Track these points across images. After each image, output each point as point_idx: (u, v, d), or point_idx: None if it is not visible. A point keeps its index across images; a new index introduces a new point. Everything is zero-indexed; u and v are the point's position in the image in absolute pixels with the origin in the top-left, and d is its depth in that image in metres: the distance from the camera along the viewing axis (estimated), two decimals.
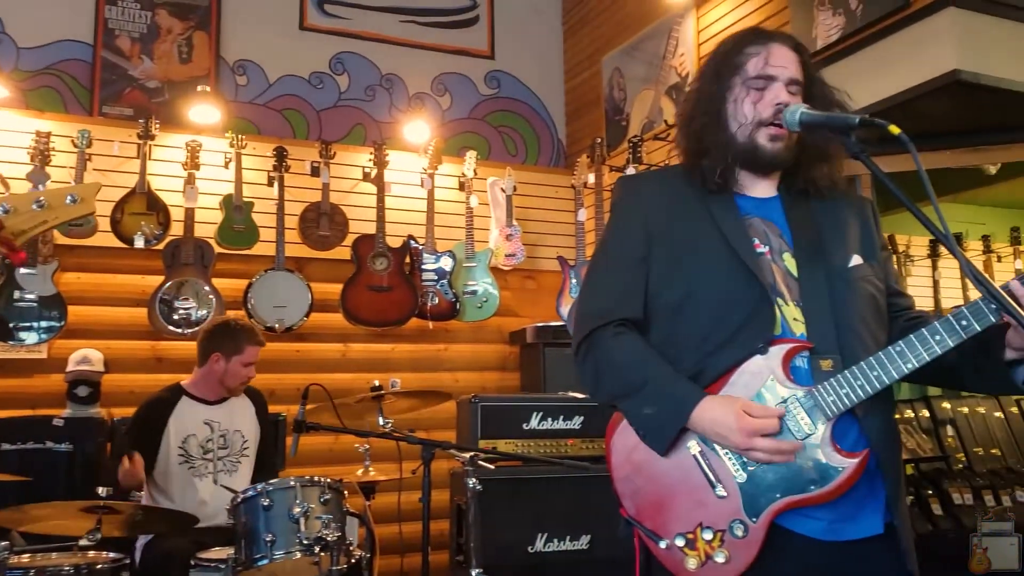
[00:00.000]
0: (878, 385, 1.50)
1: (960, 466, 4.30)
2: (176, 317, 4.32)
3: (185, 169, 4.51)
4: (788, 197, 1.73)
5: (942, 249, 5.25)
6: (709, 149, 1.69)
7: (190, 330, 4.29)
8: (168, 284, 4.34)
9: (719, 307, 1.60)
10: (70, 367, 4.13)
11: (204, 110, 4.75)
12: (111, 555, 2.83)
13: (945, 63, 3.28)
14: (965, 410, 4.51)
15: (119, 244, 4.36)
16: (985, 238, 5.72)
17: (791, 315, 1.60)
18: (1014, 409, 4.63)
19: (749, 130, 1.66)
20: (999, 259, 5.65)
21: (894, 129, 1.42)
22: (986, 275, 1.41)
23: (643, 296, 1.68)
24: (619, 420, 1.67)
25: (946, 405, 4.50)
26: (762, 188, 1.74)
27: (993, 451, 4.42)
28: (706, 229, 1.66)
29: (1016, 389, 1.57)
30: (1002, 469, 4.35)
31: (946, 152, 3.92)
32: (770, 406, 1.54)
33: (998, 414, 4.58)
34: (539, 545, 3.63)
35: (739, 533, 1.52)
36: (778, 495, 1.51)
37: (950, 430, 4.43)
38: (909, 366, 1.49)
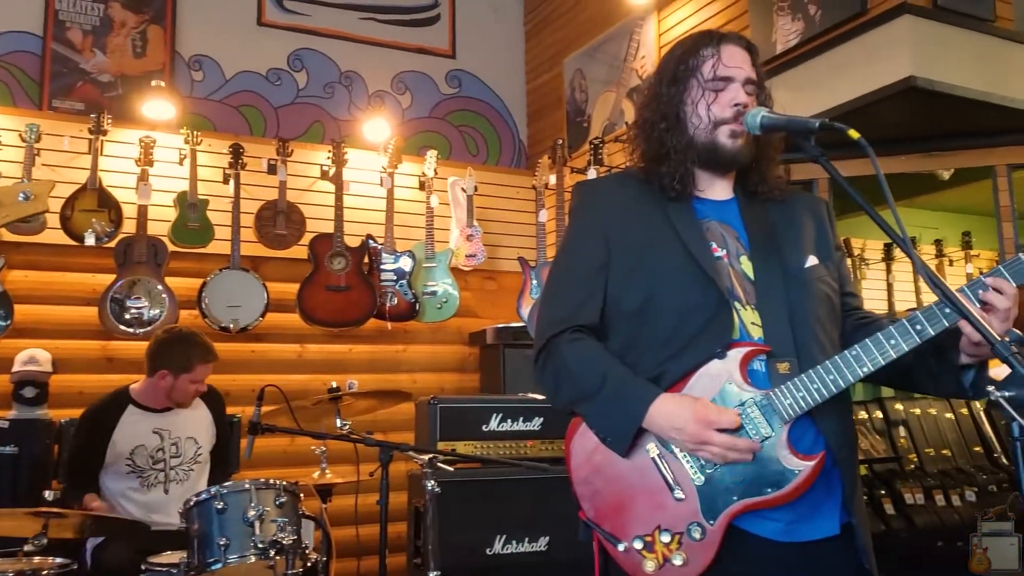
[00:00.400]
0: (834, 389, 1.51)
1: (912, 466, 4.38)
2: (128, 316, 4.23)
3: (138, 165, 4.41)
4: (744, 198, 1.74)
5: (896, 252, 5.35)
6: (670, 153, 1.69)
7: (142, 330, 4.20)
8: (120, 283, 4.24)
9: (678, 312, 1.60)
10: (16, 367, 4.01)
11: (158, 105, 4.66)
12: (57, 560, 2.75)
13: (901, 70, 3.34)
14: (917, 411, 4.60)
15: (69, 242, 4.25)
16: (938, 242, 5.84)
17: (749, 319, 1.61)
18: (964, 411, 4.73)
19: (708, 130, 1.67)
20: (951, 263, 5.78)
21: (853, 133, 1.43)
22: (940, 278, 1.43)
23: (601, 303, 1.68)
24: (579, 422, 1.67)
25: (899, 407, 4.58)
26: (719, 189, 1.74)
27: (944, 452, 4.50)
28: (664, 234, 1.67)
29: (964, 392, 1.59)
30: (952, 469, 4.43)
31: (901, 157, 4.00)
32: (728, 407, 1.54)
33: (949, 415, 4.67)
34: (498, 547, 3.61)
35: (697, 535, 1.52)
36: (735, 498, 1.51)
37: (902, 431, 4.51)
38: (865, 370, 1.51)
